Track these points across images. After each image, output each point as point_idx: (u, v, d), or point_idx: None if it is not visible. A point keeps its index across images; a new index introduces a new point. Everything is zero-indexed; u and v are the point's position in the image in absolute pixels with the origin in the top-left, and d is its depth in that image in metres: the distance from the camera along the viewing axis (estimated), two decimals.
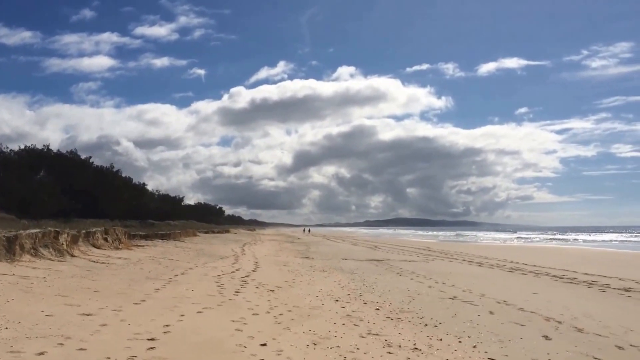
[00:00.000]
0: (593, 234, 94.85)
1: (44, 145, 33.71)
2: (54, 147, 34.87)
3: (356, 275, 16.48)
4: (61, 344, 6.26)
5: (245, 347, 6.65)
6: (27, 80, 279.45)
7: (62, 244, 16.40)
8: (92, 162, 37.06)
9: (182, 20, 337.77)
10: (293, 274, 16.42)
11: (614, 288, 13.79)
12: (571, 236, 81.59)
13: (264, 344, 6.83)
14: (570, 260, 24.84)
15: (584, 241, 61.43)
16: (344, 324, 8.46)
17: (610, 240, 62.47)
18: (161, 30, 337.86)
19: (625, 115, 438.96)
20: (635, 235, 78.04)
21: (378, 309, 10.16)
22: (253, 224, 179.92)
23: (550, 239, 70.53)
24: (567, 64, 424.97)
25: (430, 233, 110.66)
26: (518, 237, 77.55)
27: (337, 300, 10.97)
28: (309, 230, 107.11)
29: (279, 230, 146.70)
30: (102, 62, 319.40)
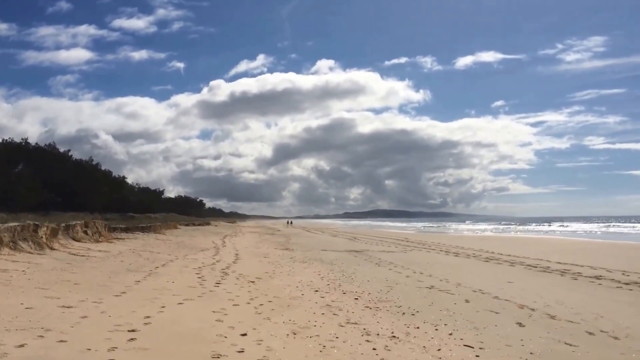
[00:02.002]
0: (566, 224, 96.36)
1: (22, 139, 33.28)
2: (32, 140, 34.21)
3: (335, 266, 16.65)
4: (41, 336, 6.28)
5: (225, 337, 6.74)
6: (4, 73, 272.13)
7: (42, 237, 16.26)
8: (71, 156, 36.70)
9: (161, 12, 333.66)
10: (273, 265, 16.52)
11: (586, 276, 14.13)
12: (545, 226, 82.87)
13: (245, 334, 6.93)
14: (544, 250, 25.26)
15: (557, 231, 62.44)
16: (323, 314, 8.60)
17: (583, 231, 63.53)
18: (139, 23, 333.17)
19: (598, 108, 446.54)
20: (607, 226, 79.39)
21: (357, 298, 10.32)
22: (234, 217, 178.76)
23: (524, 229, 71.44)
24: (543, 57, 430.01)
25: (408, 224, 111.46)
26: (494, 228, 78.55)
27: (316, 291, 11.11)
28: (291, 222, 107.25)
29: (259, 222, 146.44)
30: (79, 55, 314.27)
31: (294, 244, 30.42)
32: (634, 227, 71.96)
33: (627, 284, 12.72)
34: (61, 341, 6.14)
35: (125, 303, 8.76)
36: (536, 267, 16.60)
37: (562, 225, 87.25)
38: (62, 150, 35.87)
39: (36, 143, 34.30)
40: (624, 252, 24.62)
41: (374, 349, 6.53)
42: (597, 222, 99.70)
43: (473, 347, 6.75)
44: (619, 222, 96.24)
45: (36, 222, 16.58)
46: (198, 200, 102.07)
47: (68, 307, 8.11)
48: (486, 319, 8.53)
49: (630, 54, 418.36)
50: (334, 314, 8.60)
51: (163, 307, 8.58)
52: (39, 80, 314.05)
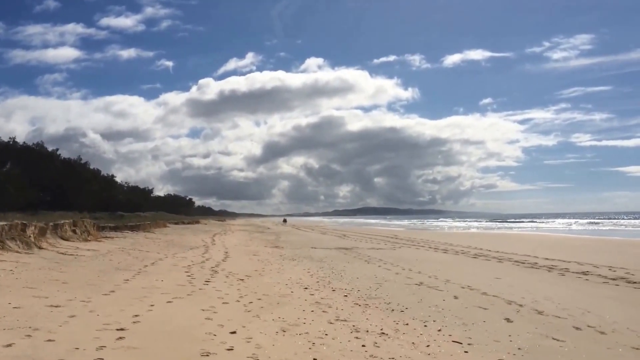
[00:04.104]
0: (553, 220, 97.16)
1: (9, 138, 33.02)
2: (20, 139, 34.13)
3: (325, 263, 16.68)
4: (29, 336, 6.25)
5: (215, 335, 6.74)
6: None
7: (30, 236, 16.16)
8: (60, 155, 36.42)
9: (149, 11, 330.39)
10: (263, 263, 16.52)
11: (573, 272, 14.25)
12: (532, 223, 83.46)
13: (234, 332, 6.93)
14: (532, 246, 25.46)
15: (545, 228, 62.88)
16: (312, 311, 8.61)
17: (570, 227, 64.04)
18: (127, 22, 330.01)
19: (584, 106, 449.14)
20: (593, 222, 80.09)
21: (346, 295, 10.35)
22: (223, 215, 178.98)
23: (513, 226, 71.85)
24: (530, 55, 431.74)
25: (397, 222, 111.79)
26: (481, 224, 79.04)
27: (306, 288, 11.13)
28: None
29: (249, 220, 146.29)
30: (67, 54, 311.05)
31: (284, 241, 30.44)
32: (618, 223, 72.81)
33: (613, 279, 12.85)
34: (49, 340, 6.11)
35: (114, 302, 8.73)
36: (524, 263, 16.72)
37: (533, 221, 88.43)
38: (50, 149, 35.61)
39: (24, 142, 34.13)
40: (610, 248, 24.84)
41: (363, 345, 6.56)
42: (584, 218, 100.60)
43: (462, 343, 6.80)
44: (601, 219, 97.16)
45: (24, 222, 16.49)
46: (187, 198, 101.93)
47: (56, 307, 8.08)
48: (475, 315, 8.58)
49: (616, 51, 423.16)
50: (323, 311, 8.62)
51: (152, 305, 8.56)
52: (27, 79, 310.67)
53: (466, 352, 6.45)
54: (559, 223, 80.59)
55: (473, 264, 16.76)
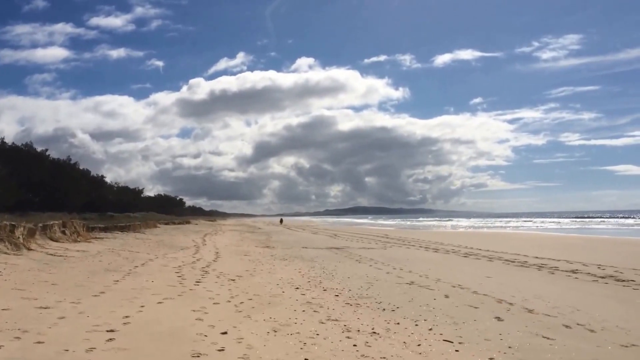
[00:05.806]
0: (543, 219, 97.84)
1: None
2: (8, 139, 33.61)
3: (316, 263, 16.67)
4: (18, 338, 6.21)
5: (206, 335, 6.72)
6: None
7: (19, 237, 16.01)
8: (49, 155, 36.13)
9: (139, 10, 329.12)
10: (254, 263, 16.49)
11: (562, 270, 14.33)
12: (522, 222, 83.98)
13: (225, 332, 6.92)
14: (522, 245, 25.62)
15: (534, 226, 63.28)
16: (304, 311, 8.61)
17: (559, 225, 64.49)
18: (117, 21, 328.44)
19: (573, 105, 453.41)
20: (582, 221, 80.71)
21: (337, 295, 10.36)
22: (214, 215, 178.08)
23: (503, 225, 72.22)
24: (519, 55, 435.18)
25: (388, 222, 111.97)
26: (472, 223, 79.39)
27: (297, 288, 11.12)
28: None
29: (240, 220, 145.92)
30: (56, 53, 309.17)
31: (275, 241, 30.40)
32: (607, 221, 73.42)
33: (602, 277, 12.94)
34: (39, 342, 6.07)
35: (104, 303, 8.69)
36: (514, 262, 16.79)
37: (523, 220, 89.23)
38: (39, 149, 35.29)
39: (12, 142, 33.74)
40: (600, 247, 25.04)
41: (354, 345, 6.56)
42: (573, 217, 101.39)
43: (452, 342, 6.82)
44: (590, 217, 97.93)
45: (13, 223, 16.33)
46: (178, 199, 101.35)
47: (45, 308, 8.03)
48: (465, 313, 8.61)
49: (605, 52, 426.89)
50: (314, 311, 8.62)
51: (142, 306, 8.53)
52: (16, 79, 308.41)
53: (457, 350, 6.47)
54: (548, 222, 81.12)
55: (463, 263, 16.81)
